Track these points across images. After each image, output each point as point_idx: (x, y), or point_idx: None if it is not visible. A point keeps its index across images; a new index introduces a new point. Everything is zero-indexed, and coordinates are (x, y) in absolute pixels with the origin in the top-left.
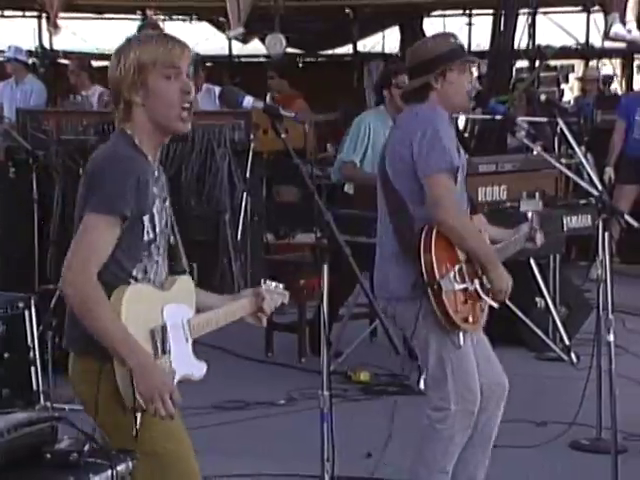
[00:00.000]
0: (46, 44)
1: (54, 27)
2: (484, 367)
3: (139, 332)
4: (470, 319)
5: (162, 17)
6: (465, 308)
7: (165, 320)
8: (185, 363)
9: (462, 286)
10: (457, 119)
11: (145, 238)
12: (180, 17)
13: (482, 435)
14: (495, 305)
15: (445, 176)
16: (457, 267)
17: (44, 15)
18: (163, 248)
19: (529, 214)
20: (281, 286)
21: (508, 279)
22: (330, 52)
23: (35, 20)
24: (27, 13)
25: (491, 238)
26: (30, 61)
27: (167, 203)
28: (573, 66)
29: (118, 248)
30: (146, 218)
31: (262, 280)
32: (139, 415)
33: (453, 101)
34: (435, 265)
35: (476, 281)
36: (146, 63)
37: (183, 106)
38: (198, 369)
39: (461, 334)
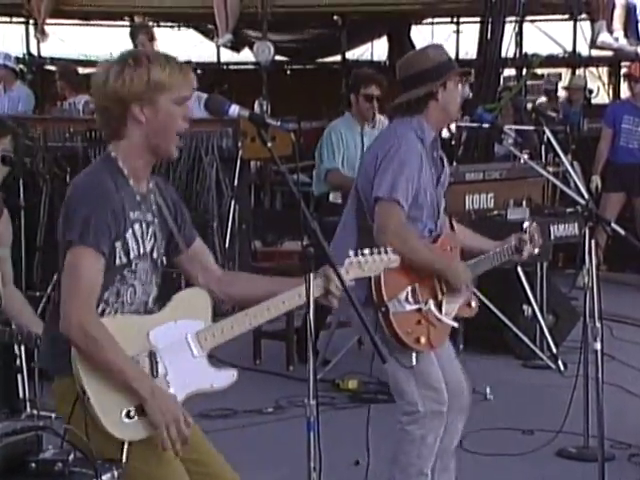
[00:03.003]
0: (34, 51)
1: (41, 34)
2: (448, 367)
3: None
4: (423, 340)
5: (150, 23)
6: (418, 329)
7: (154, 344)
8: (193, 379)
9: (414, 307)
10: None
11: (117, 263)
12: (168, 24)
13: (441, 445)
14: (455, 325)
15: (395, 205)
16: (410, 288)
17: (31, 22)
18: (144, 272)
19: (525, 224)
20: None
21: (464, 275)
22: (318, 60)
23: (22, 26)
24: (14, 19)
25: (477, 249)
26: (18, 68)
27: (155, 225)
28: (560, 74)
29: None
30: (118, 244)
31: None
32: (125, 445)
33: (450, 110)
34: (383, 287)
35: (431, 301)
36: (163, 83)
37: (179, 132)
38: (218, 379)
39: (413, 354)
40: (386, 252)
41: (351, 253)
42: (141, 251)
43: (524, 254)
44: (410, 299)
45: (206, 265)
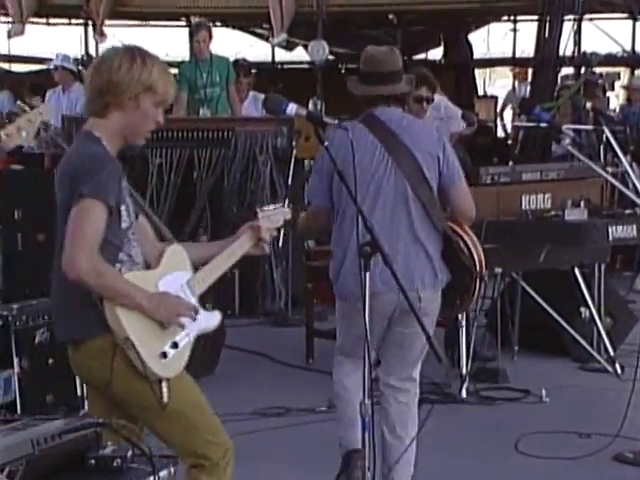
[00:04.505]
0: (92, 52)
1: (100, 35)
2: None
3: None
4: None
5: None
6: None
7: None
8: (196, 320)
9: None
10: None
11: (123, 225)
12: (223, 25)
13: None
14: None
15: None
16: None
17: (90, 23)
18: (137, 233)
19: (259, 213)
20: (279, 205)
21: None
22: None
23: (81, 28)
24: (73, 21)
25: (206, 257)
26: (77, 69)
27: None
28: (619, 74)
29: (104, 237)
30: (122, 207)
31: (257, 207)
32: (164, 385)
33: None
34: None
35: None
36: (154, 87)
37: (148, 131)
38: (211, 319)
39: None
40: (283, 207)
41: (258, 209)
42: (132, 216)
43: (265, 248)
44: None
45: (149, 239)
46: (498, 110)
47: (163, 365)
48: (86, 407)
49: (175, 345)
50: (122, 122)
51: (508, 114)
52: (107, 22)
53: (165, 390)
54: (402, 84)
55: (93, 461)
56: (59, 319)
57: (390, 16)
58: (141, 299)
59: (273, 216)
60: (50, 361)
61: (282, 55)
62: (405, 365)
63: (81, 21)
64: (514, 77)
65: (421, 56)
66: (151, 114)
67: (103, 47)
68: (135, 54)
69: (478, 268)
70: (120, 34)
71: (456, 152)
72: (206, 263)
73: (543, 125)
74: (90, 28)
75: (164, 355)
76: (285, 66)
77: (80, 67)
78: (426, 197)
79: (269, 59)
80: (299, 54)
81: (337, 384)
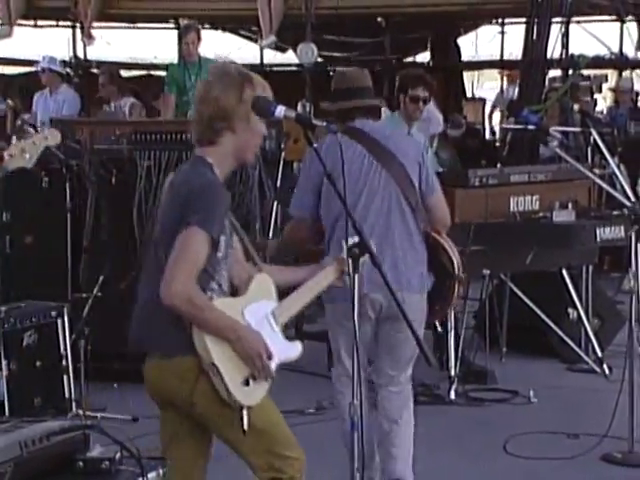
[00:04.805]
0: (80, 54)
1: (88, 37)
2: None
3: None
4: None
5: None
6: None
7: (248, 320)
8: (278, 350)
9: None
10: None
11: (219, 255)
12: (212, 27)
13: None
14: None
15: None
16: None
17: (78, 25)
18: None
19: (344, 245)
20: (355, 239)
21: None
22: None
23: (69, 30)
24: (61, 23)
25: (291, 282)
26: (64, 71)
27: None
28: (606, 76)
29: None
30: (222, 239)
31: (343, 242)
32: (245, 412)
33: None
34: None
35: None
36: None
37: (258, 144)
38: (293, 350)
39: None
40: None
41: (343, 242)
42: (228, 248)
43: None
44: None
45: (238, 259)
46: (487, 112)
47: (245, 393)
48: (74, 409)
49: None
50: (234, 144)
51: (497, 116)
52: (95, 24)
53: (246, 418)
54: (374, 99)
55: (81, 463)
56: (148, 328)
57: (379, 19)
58: (227, 333)
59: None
60: (38, 363)
61: (271, 57)
62: (397, 367)
63: (69, 23)
64: (502, 79)
65: (409, 59)
66: (258, 128)
67: (91, 49)
68: (240, 76)
69: (457, 272)
70: (108, 36)
71: (447, 154)
72: (291, 288)
73: (531, 127)
74: (78, 30)
75: (246, 383)
76: (274, 68)
77: (68, 69)
78: (415, 203)
79: (258, 61)
80: (289, 57)
81: (335, 387)
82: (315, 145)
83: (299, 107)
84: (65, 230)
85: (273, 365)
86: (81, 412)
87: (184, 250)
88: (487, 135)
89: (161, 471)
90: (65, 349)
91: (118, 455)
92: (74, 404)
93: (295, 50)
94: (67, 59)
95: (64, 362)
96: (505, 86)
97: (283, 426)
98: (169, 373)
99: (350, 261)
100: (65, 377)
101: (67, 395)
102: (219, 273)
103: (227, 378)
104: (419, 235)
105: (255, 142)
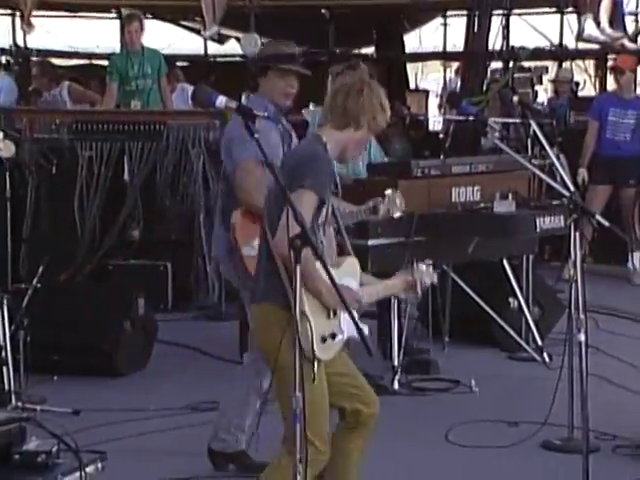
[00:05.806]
0: (20, 42)
1: (28, 25)
2: None
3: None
4: None
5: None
6: None
7: None
8: (349, 326)
9: None
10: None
11: (320, 220)
12: (154, 17)
13: None
14: None
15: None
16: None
17: (18, 13)
18: (327, 233)
19: (387, 192)
20: (430, 269)
21: None
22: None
23: (9, 18)
24: (1, 11)
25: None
26: (4, 59)
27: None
28: (547, 67)
29: None
30: (324, 206)
31: (415, 262)
32: (316, 363)
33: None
34: (238, 233)
35: None
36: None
37: (355, 155)
38: (352, 329)
39: None
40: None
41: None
42: (328, 216)
43: (380, 214)
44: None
45: (331, 248)
46: (437, 104)
47: (321, 348)
48: (13, 401)
49: (333, 336)
50: (347, 139)
51: (433, 107)
52: (35, 13)
53: (316, 370)
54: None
55: (17, 456)
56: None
57: (323, 10)
58: (322, 286)
59: (424, 275)
60: None
61: (215, 48)
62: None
63: (9, 11)
64: (445, 71)
65: (355, 51)
66: (365, 138)
67: (31, 37)
68: (364, 83)
69: None
70: (49, 25)
71: (401, 145)
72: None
73: (470, 118)
74: (18, 19)
75: (324, 340)
76: (218, 59)
77: (8, 57)
78: None
79: (202, 52)
80: (233, 47)
81: (247, 372)
82: (256, 135)
83: (243, 98)
84: (4, 220)
85: (342, 338)
86: (20, 404)
87: (299, 206)
88: (431, 126)
89: (100, 465)
90: (4, 340)
91: (55, 448)
92: (14, 396)
93: (239, 41)
94: (7, 47)
95: (3, 353)
96: (449, 77)
97: (323, 419)
98: (256, 316)
99: (292, 253)
100: (4, 368)
101: (7, 387)
102: (319, 235)
103: (313, 327)
104: None
105: (357, 151)
